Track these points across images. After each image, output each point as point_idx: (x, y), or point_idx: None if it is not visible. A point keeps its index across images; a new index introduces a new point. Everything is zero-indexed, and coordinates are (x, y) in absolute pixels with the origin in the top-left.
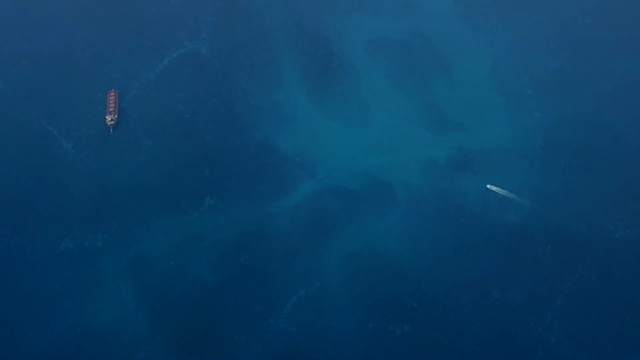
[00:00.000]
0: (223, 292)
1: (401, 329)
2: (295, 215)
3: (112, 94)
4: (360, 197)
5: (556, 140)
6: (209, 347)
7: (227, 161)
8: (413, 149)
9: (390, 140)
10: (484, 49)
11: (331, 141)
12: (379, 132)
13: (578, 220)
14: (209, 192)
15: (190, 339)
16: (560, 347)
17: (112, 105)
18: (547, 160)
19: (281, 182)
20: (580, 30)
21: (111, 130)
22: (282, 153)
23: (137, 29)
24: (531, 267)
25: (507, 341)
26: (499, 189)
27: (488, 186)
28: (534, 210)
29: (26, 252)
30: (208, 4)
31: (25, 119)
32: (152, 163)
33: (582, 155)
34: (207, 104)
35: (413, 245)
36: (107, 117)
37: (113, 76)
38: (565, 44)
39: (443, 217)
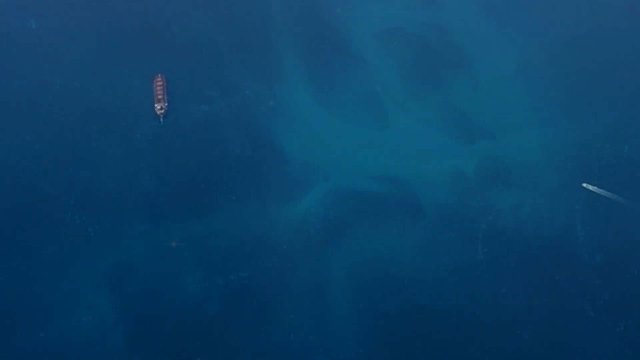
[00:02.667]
0: (211, 308)
1: None
2: (296, 224)
3: (159, 79)
4: (374, 210)
5: (595, 150)
6: None
7: (224, 162)
8: (434, 157)
9: (407, 145)
10: (509, 45)
11: (338, 143)
12: (394, 136)
13: (631, 248)
14: (203, 195)
15: (172, 358)
16: None
17: (160, 92)
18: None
19: (282, 186)
20: (614, 27)
21: (161, 119)
22: (284, 154)
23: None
24: (569, 302)
25: None
26: (596, 188)
27: (584, 185)
28: (576, 231)
29: None
30: None
31: None
32: (139, 161)
33: (633, 169)
34: (203, 100)
35: (434, 268)
36: (156, 105)
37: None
38: (599, 40)
39: (470, 237)
